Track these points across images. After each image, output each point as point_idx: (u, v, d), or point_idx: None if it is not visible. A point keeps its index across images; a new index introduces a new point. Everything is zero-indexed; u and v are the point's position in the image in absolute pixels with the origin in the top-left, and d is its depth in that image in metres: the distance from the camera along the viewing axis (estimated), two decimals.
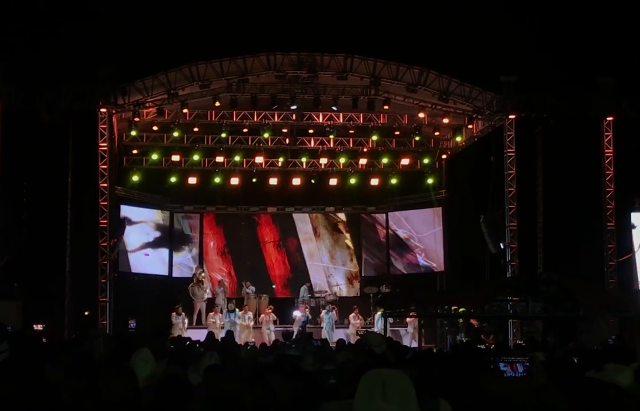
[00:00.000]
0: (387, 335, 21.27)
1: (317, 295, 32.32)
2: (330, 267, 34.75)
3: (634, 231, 28.08)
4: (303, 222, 35.09)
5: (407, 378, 2.95)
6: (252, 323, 29.77)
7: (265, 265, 34.56)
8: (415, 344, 26.35)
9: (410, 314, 26.58)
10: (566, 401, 5.33)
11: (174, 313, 28.86)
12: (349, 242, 35.18)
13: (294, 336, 25.67)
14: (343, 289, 34.09)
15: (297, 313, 30.18)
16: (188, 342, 16.88)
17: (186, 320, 29.28)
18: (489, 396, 5.18)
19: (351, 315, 30.40)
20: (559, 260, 27.10)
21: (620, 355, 10.63)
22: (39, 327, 25.20)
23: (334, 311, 30.36)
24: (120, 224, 29.56)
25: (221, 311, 30.11)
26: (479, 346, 18.19)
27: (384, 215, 35.16)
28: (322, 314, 30.26)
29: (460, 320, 26.56)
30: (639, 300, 23.00)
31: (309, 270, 34.51)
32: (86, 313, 28.58)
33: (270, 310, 30.14)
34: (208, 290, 31.62)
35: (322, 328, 29.39)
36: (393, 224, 35.01)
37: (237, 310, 29.85)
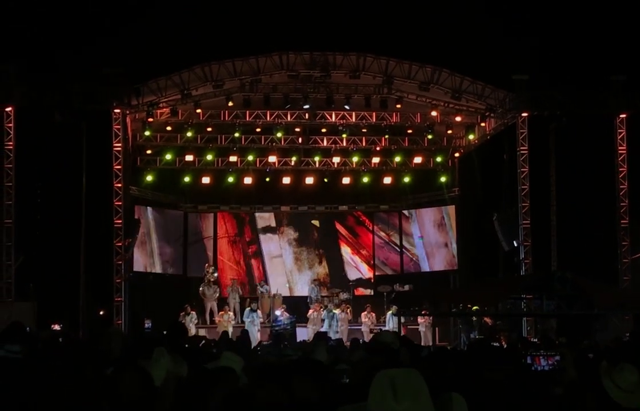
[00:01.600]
0: (402, 334, 21.35)
1: (328, 293, 32.29)
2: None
3: None
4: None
5: (418, 376, 2.98)
6: (260, 322, 29.87)
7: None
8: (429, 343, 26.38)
9: (422, 313, 26.63)
10: (594, 395, 5.34)
11: (182, 313, 28.99)
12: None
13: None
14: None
15: (277, 313, 30.06)
16: (203, 342, 16.94)
17: (195, 319, 29.43)
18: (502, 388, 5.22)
19: (363, 314, 30.44)
20: (573, 258, 27.03)
21: (634, 352, 10.64)
22: (57, 327, 25.31)
23: (338, 311, 30.28)
24: (134, 224, 29.66)
25: (233, 311, 30.29)
26: (492, 344, 18.21)
27: (397, 213, 35.17)
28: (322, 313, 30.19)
29: (474, 318, 26.56)
30: None
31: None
32: (101, 312, 28.72)
33: (283, 309, 30.20)
34: (219, 290, 31.69)
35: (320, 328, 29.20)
36: (406, 222, 35.02)
37: (259, 310, 30.02)
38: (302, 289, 33.77)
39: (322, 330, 28.40)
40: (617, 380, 5.29)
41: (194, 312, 29.66)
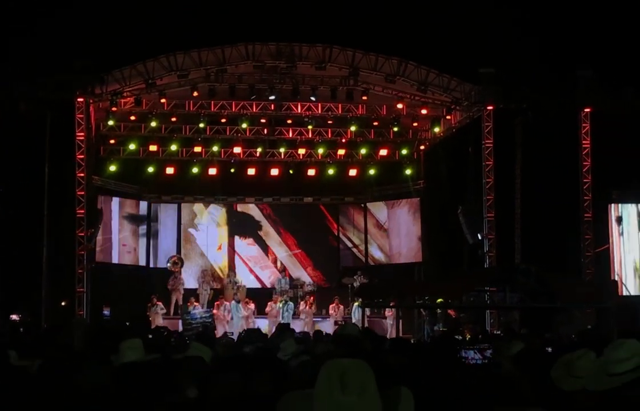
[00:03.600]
0: (366, 326, 21.35)
1: (294, 285, 32.30)
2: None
3: (618, 223, 28.25)
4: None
5: (367, 368, 2.93)
6: (229, 315, 29.79)
7: None
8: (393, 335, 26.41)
9: (389, 305, 26.68)
10: (533, 388, 5.35)
11: (148, 304, 28.87)
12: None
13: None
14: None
15: (190, 308, 29.70)
16: (165, 333, 16.86)
17: (162, 310, 29.35)
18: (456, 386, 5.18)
19: (331, 306, 30.46)
20: (537, 251, 27.19)
21: (595, 344, 10.67)
22: (16, 317, 25.07)
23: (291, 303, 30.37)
24: (97, 214, 29.42)
25: (207, 303, 30.51)
26: (456, 336, 18.25)
27: (362, 205, 35.20)
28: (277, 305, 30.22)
29: (439, 311, 26.65)
30: (615, 291, 23.22)
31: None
32: (63, 303, 28.46)
33: (249, 301, 30.17)
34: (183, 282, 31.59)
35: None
36: (370, 215, 35.07)
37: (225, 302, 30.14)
38: (269, 280, 33.76)
39: (281, 321, 28.51)
40: (572, 369, 5.28)
41: (160, 303, 29.52)
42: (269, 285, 33.30)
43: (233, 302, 30.06)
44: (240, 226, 34.89)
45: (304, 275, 33.95)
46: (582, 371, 5.10)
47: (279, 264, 34.36)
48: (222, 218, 34.79)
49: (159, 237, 33.72)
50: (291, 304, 30.13)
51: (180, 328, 27.05)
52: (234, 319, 29.37)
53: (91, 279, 28.06)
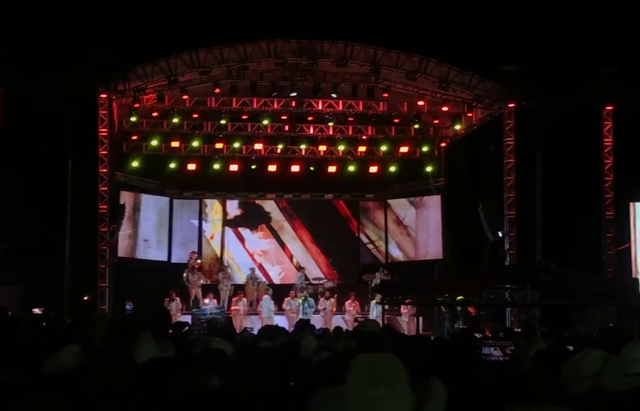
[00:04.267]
0: (385, 323, 21.39)
1: (314, 282, 32.35)
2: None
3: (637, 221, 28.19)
4: None
5: (397, 362, 2.97)
6: (243, 309, 29.93)
7: None
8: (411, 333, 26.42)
9: (406, 302, 26.69)
10: (552, 387, 5.37)
11: (167, 299, 29.01)
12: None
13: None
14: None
15: (205, 301, 29.92)
16: (186, 328, 16.93)
17: (180, 305, 29.47)
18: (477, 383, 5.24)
19: (347, 302, 30.50)
20: (557, 249, 27.15)
21: (616, 342, 10.67)
22: (38, 311, 25.26)
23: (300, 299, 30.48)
24: (119, 210, 29.59)
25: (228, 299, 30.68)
26: (475, 334, 18.25)
27: (383, 202, 35.20)
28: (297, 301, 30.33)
29: (458, 308, 26.64)
30: (636, 289, 23.09)
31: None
32: (85, 298, 28.65)
33: (265, 296, 30.26)
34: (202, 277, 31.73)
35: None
36: (391, 212, 35.06)
37: (244, 297, 30.33)
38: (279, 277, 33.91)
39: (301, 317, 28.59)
40: (578, 369, 5.33)
41: (178, 298, 29.64)
42: (277, 281, 33.29)
43: (266, 296, 30.21)
44: (250, 219, 35.02)
45: (317, 271, 33.92)
46: (588, 372, 5.15)
47: (294, 260, 34.46)
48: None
49: (180, 232, 33.83)
50: (312, 300, 30.13)
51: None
52: (264, 313, 29.45)
53: (113, 274, 28.25)
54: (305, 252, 34.70)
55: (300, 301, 29.95)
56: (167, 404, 4.66)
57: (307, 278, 32.42)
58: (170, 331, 15.12)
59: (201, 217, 34.48)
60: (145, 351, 6.04)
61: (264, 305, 29.83)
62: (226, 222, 34.75)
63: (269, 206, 35.10)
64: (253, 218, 34.99)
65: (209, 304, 29.33)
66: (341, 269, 33.86)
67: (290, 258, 34.61)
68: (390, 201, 35.01)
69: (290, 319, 28.49)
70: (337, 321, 28.28)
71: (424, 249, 34.11)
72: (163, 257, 33.10)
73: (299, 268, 33.21)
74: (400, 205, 34.92)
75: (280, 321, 27.24)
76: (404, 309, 29.34)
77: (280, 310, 30.12)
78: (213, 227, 34.72)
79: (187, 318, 26.64)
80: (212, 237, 34.58)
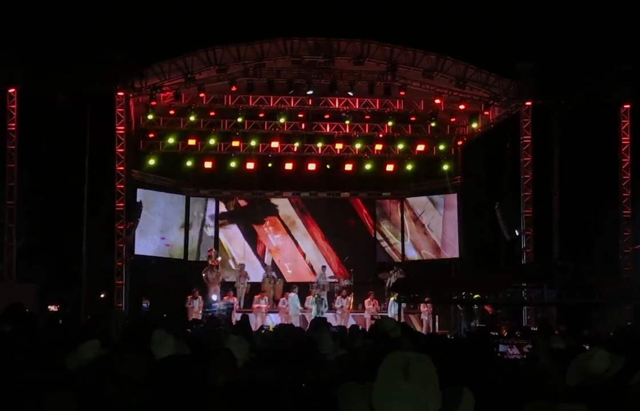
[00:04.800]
0: (402, 321, 21.36)
1: (329, 280, 32.32)
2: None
3: None
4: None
5: (429, 362, 2.98)
6: (265, 306, 29.99)
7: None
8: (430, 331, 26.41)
9: (425, 300, 26.65)
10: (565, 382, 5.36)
11: (189, 297, 29.06)
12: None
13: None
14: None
15: (213, 297, 29.95)
16: (202, 325, 16.98)
17: (201, 304, 29.51)
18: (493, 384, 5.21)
19: (366, 300, 30.49)
20: (575, 248, 27.03)
21: (634, 341, 10.62)
22: (54, 308, 25.35)
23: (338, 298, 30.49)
24: (136, 207, 29.68)
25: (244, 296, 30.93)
26: (492, 333, 18.19)
27: (399, 200, 35.14)
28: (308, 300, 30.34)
29: (475, 307, 26.58)
30: None
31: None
32: (102, 295, 28.75)
33: (287, 295, 30.27)
34: (221, 275, 31.76)
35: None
36: (409, 209, 35.01)
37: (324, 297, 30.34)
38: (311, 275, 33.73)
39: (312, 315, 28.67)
40: (585, 367, 5.35)
41: (200, 297, 29.67)
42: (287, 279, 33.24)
43: (293, 294, 30.28)
44: (258, 212, 35.10)
45: (327, 270, 33.88)
46: (596, 370, 5.16)
47: (307, 259, 34.49)
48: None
49: (197, 230, 33.90)
50: (325, 300, 30.11)
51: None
52: (292, 311, 29.52)
53: (130, 272, 28.35)
54: (316, 250, 34.67)
55: (314, 299, 29.94)
56: (185, 400, 4.66)
57: (327, 277, 32.32)
58: (189, 330, 15.16)
59: (217, 214, 34.51)
60: (161, 349, 6.05)
61: (292, 303, 29.86)
62: (233, 217, 34.83)
63: (280, 202, 35.16)
64: (261, 212, 35.02)
65: (217, 301, 29.37)
66: (357, 268, 33.70)
67: (304, 255, 34.61)
68: (408, 199, 34.94)
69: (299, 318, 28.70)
70: (356, 319, 28.29)
71: (441, 247, 34.05)
72: (180, 255, 33.15)
73: (322, 266, 33.10)
74: (417, 204, 34.84)
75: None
76: (423, 308, 29.27)
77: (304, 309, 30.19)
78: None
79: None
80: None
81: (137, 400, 4.71)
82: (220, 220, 34.63)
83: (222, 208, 34.80)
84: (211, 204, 34.43)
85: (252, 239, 34.67)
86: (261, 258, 34.14)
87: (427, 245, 34.47)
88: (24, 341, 7.62)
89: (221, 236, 34.52)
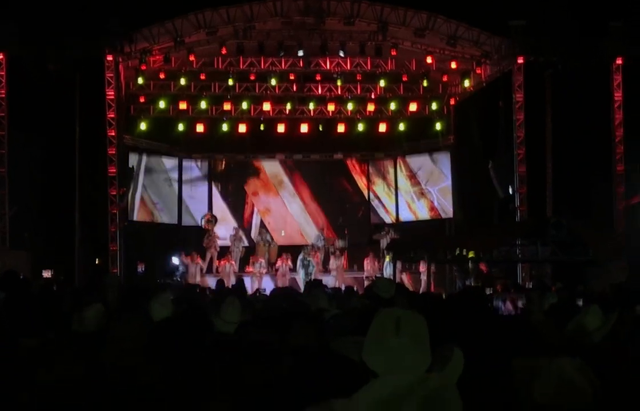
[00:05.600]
0: (398, 281, 21.39)
1: (324, 242, 32.32)
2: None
3: None
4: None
5: (421, 319, 2.96)
6: (264, 271, 30.02)
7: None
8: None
9: (420, 260, 26.70)
10: (561, 337, 5.40)
11: (189, 259, 29.05)
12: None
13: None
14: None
15: (175, 261, 29.84)
16: (198, 289, 16.94)
17: (201, 268, 29.61)
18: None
19: (366, 260, 30.55)
20: (568, 205, 27.05)
21: (628, 297, 10.64)
22: (48, 275, 25.34)
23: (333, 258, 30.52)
24: (128, 173, 29.60)
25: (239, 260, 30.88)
26: (487, 290, 18.24)
27: (392, 161, 35.11)
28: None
29: (470, 265, 26.63)
30: None
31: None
32: (97, 261, 28.74)
33: (287, 258, 30.26)
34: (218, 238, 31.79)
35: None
36: (401, 170, 34.97)
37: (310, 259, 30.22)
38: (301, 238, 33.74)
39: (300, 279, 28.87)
40: (580, 324, 5.44)
41: (200, 262, 29.67)
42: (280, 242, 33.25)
43: (302, 255, 30.27)
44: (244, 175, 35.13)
45: (314, 230, 33.92)
46: (591, 327, 5.22)
47: (296, 219, 34.53)
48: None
49: (191, 194, 33.83)
50: (312, 262, 30.09)
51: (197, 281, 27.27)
52: (301, 274, 29.58)
53: (124, 237, 28.33)
54: (304, 211, 34.67)
55: (301, 263, 30.01)
56: (184, 361, 4.66)
57: (324, 239, 32.31)
58: (184, 293, 15.14)
59: (211, 178, 34.44)
60: (159, 312, 6.05)
61: (310, 265, 29.87)
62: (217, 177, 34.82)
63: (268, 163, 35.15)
64: (245, 174, 35.06)
65: (179, 264, 29.21)
66: (351, 229, 33.76)
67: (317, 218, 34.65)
68: (399, 159, 34.88)
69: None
70: (353, 280, 28.33)
71: (434, 207, 34.05)
72: (174, 220, 33.10)
73: (321, 229, 33.10)
74: (409, 163, 34.77)
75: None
76: (422, 267, 29.32)
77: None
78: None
79: (209, 281, 26.73)
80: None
81: (138, 362, 4.71)
82: (196, 181, 34.52)
83: (201, 170, 34.72)
84: (189, 164, 34.25)
85: (239, 201, 34.59)
86: (243, 220, 34.07)
87: (421, 205, 34.44)
88: (18, 308, 7.60)
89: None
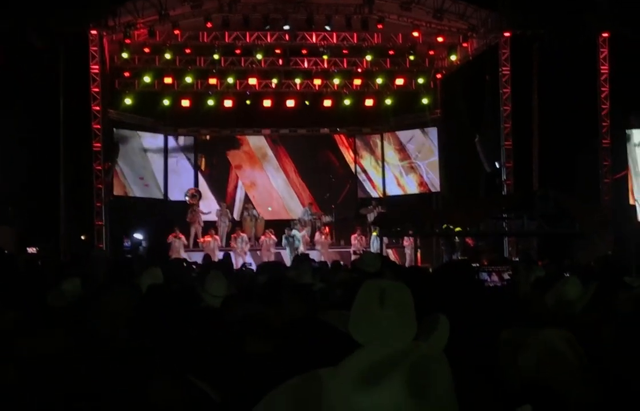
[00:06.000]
0: (384, 255, 21.37)
1: (311, 216, 32.27)
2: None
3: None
4: None
5: (406, 290, 2.94)
6: (247, 247, 29.92)
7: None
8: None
9: (406, 234, 26.71)
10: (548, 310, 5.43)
11: (172, 236, 29.00)
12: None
13: None
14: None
15: (138, 236, 29.56)
16: (185, 264, 16.90)
17: (184, 243, 29.51)
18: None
19: (353, 236, 30.53)
20: (555, 179, 27.09)
21: (614, 270, 10.65)
22: (33, 250, 25.21)
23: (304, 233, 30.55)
24: (114, 147, 29.47)
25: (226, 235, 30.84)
26: (473, 264, 18.23)
27: (379, 135, 35.06)
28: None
29: (457, 239, 26.67)
30: (634, 216, 23.11)
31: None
32: (82, 237, 28.63)
33: (271, 233, 30.22)
34: (208, 214, 31.72)
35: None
36: (388, 144, 34.93)
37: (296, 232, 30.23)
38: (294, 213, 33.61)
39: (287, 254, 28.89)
40: (559, 294, 5.51)
41: (182, 237, 29.59)
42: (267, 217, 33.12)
43: (294, 230, 30.27)
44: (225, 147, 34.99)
45: (298, 207, 33.89)
46: (570, 297, 5.27)
47: (280, 193, 34.46)
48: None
49: (176, 169, 33.70)
50: (297, 236, 30.09)
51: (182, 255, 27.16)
52: (287, 249, 29.52)
53: (109, 212, 28.22)
54: (287, 185, 34.61)
55: (286, 238, 30.04)
56: (172, 329, 4.64)
57: (312, 213, 32.23)
58: (169, 268, 15.09)
59: (196, 153, 34.30)
60: (149, 282, 6.03)
61: (296, 239, 29.85)
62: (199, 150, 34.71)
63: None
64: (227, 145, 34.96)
65: (142, 239, 29.09)
66: (338, 204, 33.72)
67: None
68: (386, 134, 34.83)
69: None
70: (340, 255, 28.30)
71: (421, 181, 34.06)
72: (159, 195, 32.98)
73: (309, 203, 33.04)
74: (396, 138, 34.73)
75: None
76: (406, 242, 29.33)
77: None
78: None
79: (194, 256, 26.65)
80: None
81: (127, 331, 4.69)
82: (181, 155, 34.39)
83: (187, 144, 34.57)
84: (174, 139, 34.14)
85: (223, 175, 34.50)
86: (226, 195, 33.97)
87: (407, 179, 34.42)
88: (3, 282, 7.57)
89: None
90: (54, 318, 5.25)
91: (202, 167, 34.33)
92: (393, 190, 34.62)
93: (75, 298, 5.95)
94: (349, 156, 35.31)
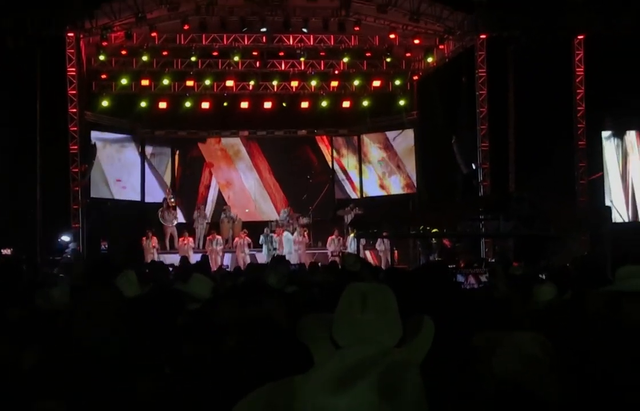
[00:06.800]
0: (361, 256, 21.42)
1: (288, 219, 32.24)
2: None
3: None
4: None
5: (389, 292, 2.97)
6: (220, 248, 29.86)
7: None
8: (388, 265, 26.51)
9: (384, 235, 26.77)
10: (525, 311, 5.51)
11: (144, 238, 28.96)
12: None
13: None
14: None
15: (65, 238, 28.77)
16: (160, 266, 16.85)
17: (157, 246, 29.44)
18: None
19: (330, 238, 30.54)
20: (531, 180, 27.24)
21: (590, 271, 10.76)
22: (7, 251, 25.05)
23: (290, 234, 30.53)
24: (90, 150, 29.36)
25: (202, 237, 30.82)
26: (450, 266, 18.32)
27: (356, 137, 35.10)
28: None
29: (433, 241, 26.76)
30: (609, 216, 23.27)
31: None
32: (59, 239, 28.47)
33: (244, 234, 30.21)
34: (179, 215, 31.65)
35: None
36: (364, 146, 34.99)
37: (273, 234, 30.20)
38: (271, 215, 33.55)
39: (262, 255, 29.05)
40: (535, 295, 5.64)
41: (155, 238, 29.56)
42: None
43: (286, 233, 30.25)
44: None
45: (271, 208, 33.90)
46: (543, 299, 5.41)
47: (253, 195, 34.44)
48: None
49: (153, 171, 33.60)
50: (273, 238, 30.09)
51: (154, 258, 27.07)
52: (286, 250, 29.29)
53: (86, 215, 28.11)
54: (260, 186, 34.57)
55: (264, 239, 30.03)
56: (156, 335, 4.65)
57: (290, 216, 32.18)
58: (147, 271, 15.07)
59: (174, 155, 34.19)
60: (128, 288, 6.03)
61: (285, 243, 29.77)
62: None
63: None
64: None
65: (70, 241, 28.70)
66: (315, 205, 33.73)
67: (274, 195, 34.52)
68: (363, 136, 34.87)
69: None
70: (318, 256, 28.31)
71: (398, 183, 34.13)
72: (136, 197, 32.86)
73: (289, 205, 33.00)
74: (373, 139, 34.79)
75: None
76: (379, 244, 29.41)
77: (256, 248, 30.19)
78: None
79: (167, 258, 26.56)
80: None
81: (108, 336, 4.70)
82: (157, 158, 34.23)
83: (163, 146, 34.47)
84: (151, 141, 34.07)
85: (196, 174, 34.42)
86: (198, 195, 33.92)
87: (384, 181, 34.47)
88: None
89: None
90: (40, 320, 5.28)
91: (176, 167, 34.18)
92: (373, 191, 34.63)
93: (62, 306, 5.95)
94: (328, 156, 35.31)
